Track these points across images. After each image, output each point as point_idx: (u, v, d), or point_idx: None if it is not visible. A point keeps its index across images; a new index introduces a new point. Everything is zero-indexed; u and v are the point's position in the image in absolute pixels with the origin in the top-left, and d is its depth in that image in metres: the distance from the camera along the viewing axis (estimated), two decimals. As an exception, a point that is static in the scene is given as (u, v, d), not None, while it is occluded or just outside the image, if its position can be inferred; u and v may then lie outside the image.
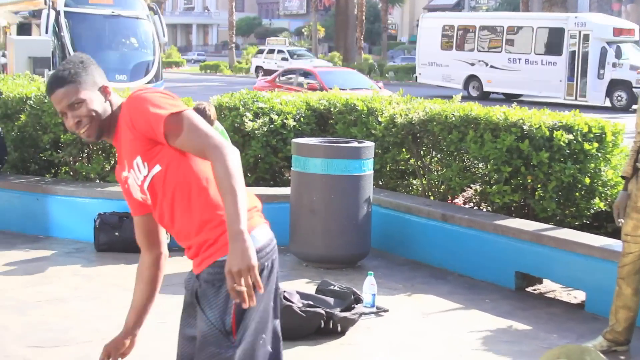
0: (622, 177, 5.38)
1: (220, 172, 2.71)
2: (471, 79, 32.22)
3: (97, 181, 8.99)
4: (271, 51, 46.84)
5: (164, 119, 2.81)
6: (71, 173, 9.22)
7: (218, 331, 2.85)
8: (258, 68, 46.13)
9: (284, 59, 44.50)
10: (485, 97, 30.46)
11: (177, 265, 4.85)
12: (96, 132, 2.95)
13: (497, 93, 31.35)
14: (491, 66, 31.26)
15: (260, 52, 48.89)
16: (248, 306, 2.63)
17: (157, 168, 2.88)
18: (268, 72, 40.99)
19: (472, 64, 32.00)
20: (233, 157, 2.75)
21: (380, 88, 20.56)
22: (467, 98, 24.72)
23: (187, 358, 3.07)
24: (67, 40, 21.56)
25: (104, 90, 2.98)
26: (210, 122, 7.31)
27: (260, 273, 2.84)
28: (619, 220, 5.33)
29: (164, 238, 3.22)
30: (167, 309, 6.05)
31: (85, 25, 22.49)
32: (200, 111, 7.26)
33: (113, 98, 3.00)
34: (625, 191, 5.31)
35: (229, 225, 2.64)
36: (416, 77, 35.37)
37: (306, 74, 23.03)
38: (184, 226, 2.94)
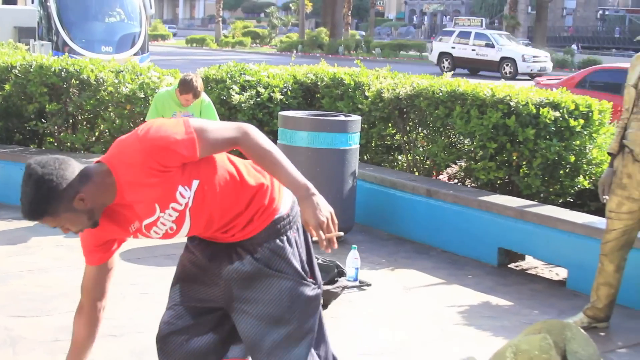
0: (609, 153, 5.38)
1: (256, 152, 2.85)
2: None
3: (82, 151, 8.95)
4: (464, 34, 36.81)
5: (194, 143, 2.78)
6: (55, 143, 9.18)
7: (301, 279, 3.05)
8: (443, 55, 36.75)
9: (488, 45, 35.31)
10: None
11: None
12: (92, 226, 2.85)
13: None
14: None
15: (446, 34, 38.49)
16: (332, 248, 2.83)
17: (195, 183, 2.87)
18: (461, 61, 35.73)
19: None
20: (255, 132, 2.87)
21: None
22: None
23: (174, 324, 3.13)
24: (53, 10, 21.41)
25: (80, 200, 2.75)
26: (197, 94, 7.27)
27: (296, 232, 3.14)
28: (604, 197, 5.34)
29: (108, 289, 3.18)
30: (151, 281, 6.07)
31: (72, -4, 22.32)
32: (187, 82, 7.22)
33: (94, 188, 2.78)
34: (611, 168, 5.31)
35: (295, 188, 2.82)
36: None
37: None
38: (233, 213, 2.99)
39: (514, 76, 33.17)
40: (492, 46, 34.92)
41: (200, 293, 3.13)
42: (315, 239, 2.81)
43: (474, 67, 35.25)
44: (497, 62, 34.56)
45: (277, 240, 3.04)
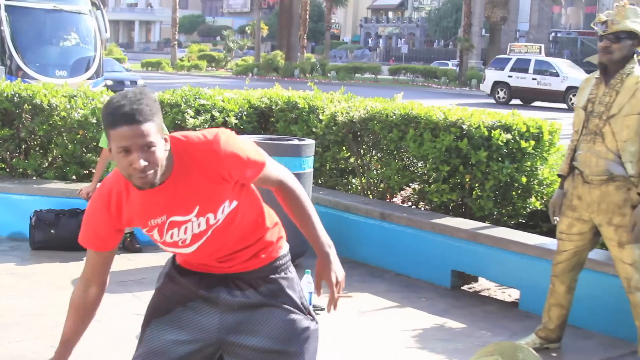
0: (559, 175, 5.45)
1: (296, 200, 3.03)
2: None
3: (34, 178, 8.86)
4: (522, 62, 33.57)
5: (262, 168, 2.88)
6: (7, 169, 9.08)
7: (302, 313, 3.05)
8: (498, 85, 33.73)
9: (552, 73, 32.25)
10: None
11: (114, 265, 4.78)
12: (153, 182, 2.66)
13: None
14: None
15: (500, 62, 34.88)
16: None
17: (235, 203, 2.88)
18: (520, 91, 33.00)
19: None
20: (296, 181, 3.05)
21: None
22: None
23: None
24: (7, 34, 21.21)
25: (166, 139, 2.68)
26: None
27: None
28: (555, 218, 5.41)
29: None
30: (103, 308, 5.99)
31: (26, 20, 22.13)
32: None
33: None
34: (561, 189, 5.38)
35: (319, 244, 3.02)
36: None
37: None
38: (243, 244, 2.99)
39: None
40: (557, 75, 32.03)
41: (183, 328, 2.95)
42: (320, 297, 2.86)
43: (530, 97, 32.95)
44: (562, 92, 31.56)
45: (280, 274, 3.05)
